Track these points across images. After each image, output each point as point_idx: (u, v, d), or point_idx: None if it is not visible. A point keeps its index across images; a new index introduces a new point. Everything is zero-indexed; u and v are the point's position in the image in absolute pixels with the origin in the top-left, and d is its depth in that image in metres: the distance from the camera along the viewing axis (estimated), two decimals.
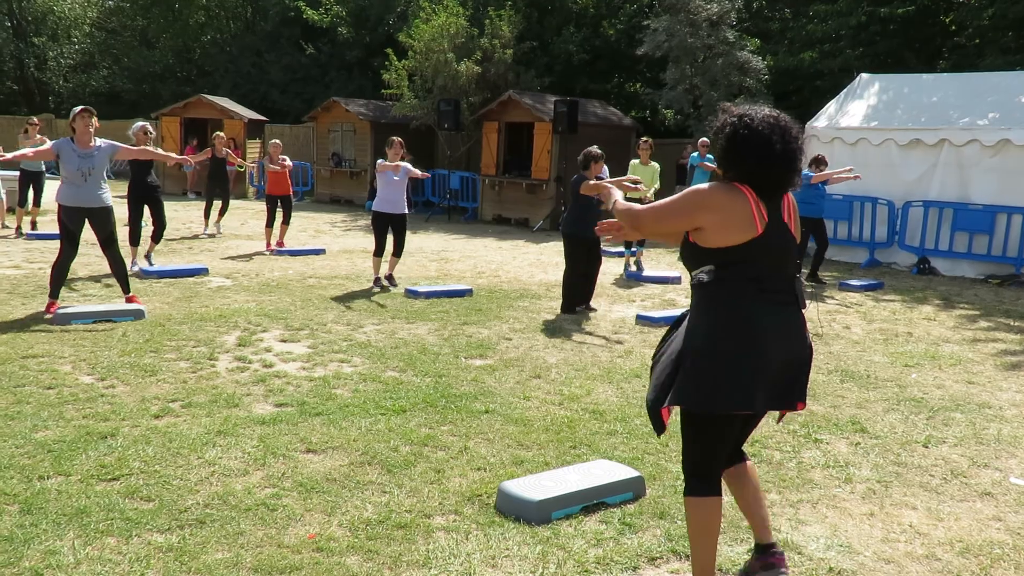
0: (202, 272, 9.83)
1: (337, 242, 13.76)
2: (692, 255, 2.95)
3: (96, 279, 9.13)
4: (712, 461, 2.97)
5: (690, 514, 2.99)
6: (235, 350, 6.35)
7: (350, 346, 6.62)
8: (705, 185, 2.90)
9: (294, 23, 30.55)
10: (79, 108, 7.39)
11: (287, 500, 3.76)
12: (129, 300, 7.61)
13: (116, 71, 36.23)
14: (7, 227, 13.24)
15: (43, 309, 7.33)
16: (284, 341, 6.71)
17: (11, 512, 3.52)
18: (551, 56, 22.86)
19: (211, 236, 13.53)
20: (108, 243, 7.48)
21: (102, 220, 7.41)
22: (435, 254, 12.65)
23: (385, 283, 9.44)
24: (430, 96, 19.35)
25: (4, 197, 13.58)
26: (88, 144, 7.27)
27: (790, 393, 2.92)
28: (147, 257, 10.20)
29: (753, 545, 3.22)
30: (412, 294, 8.93)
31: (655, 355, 3.10)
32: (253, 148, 22.32)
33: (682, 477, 4.15)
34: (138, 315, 7.26)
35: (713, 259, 2.86)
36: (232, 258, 11.32)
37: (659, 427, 2.98)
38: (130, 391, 5.25)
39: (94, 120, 7.31)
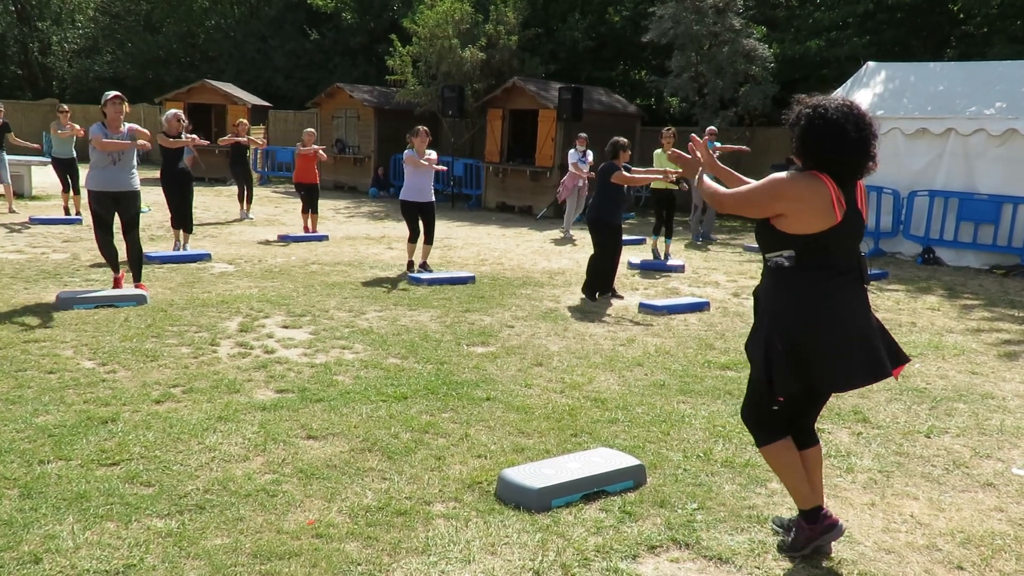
0: (205, 258, 9.83)
1: (340, 228, 13.74)
2: (770, 238, 3.09)
3: (99, 265, 9.12)
4: (782, 419, 3.20)
5: (771, 462, 3.28)
6: (237, 336, 6.35)
7: (352, 333, 6.61)
8: (786, 174, 3.01)
9: (298, 8, 30.44)
10: (112, 94, 7.45)
11: (287, 486, 3.75)
12: (138, 288, 7.62)
13: (120, 56, 36.16)
14: (14, 211, 13.28)
15: (112, 285, 7.64)
16: (286, 327, 6.71)
17: (11, 496, 3.52)
18: (556, 43, 22.75)
19: (248, 219, 13.86)
20: (130, 227, 7.56)
21: (128, 203, 7.52)
22: (438, 241, 12.60)
23: (419, 269, 9.51)
24: (434, 82, 19.28)
25: (10, 181, 13.60)
26: (119, 129, 7.37)
27: (881, 363, 3.04)
28: (183, 246, 10.26)
29: (799, 513, 3.33)
30: (415, 281, 8.92)
31: (748, 342, 3.23)
32: (257, 133, 22.26)
33: (683, 466, 4.18)
34: (140, 300, 7.26)
35: (794, 244, 3.01)
36: (237, 243, 11.32)
37: (777, 405, 3.14)
38: (131, 376, 5.25)
39: (125, 106, 7.47)
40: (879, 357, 3.05)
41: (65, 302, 6.98)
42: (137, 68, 35.19)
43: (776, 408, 3.14)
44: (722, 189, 3.24)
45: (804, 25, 20.94)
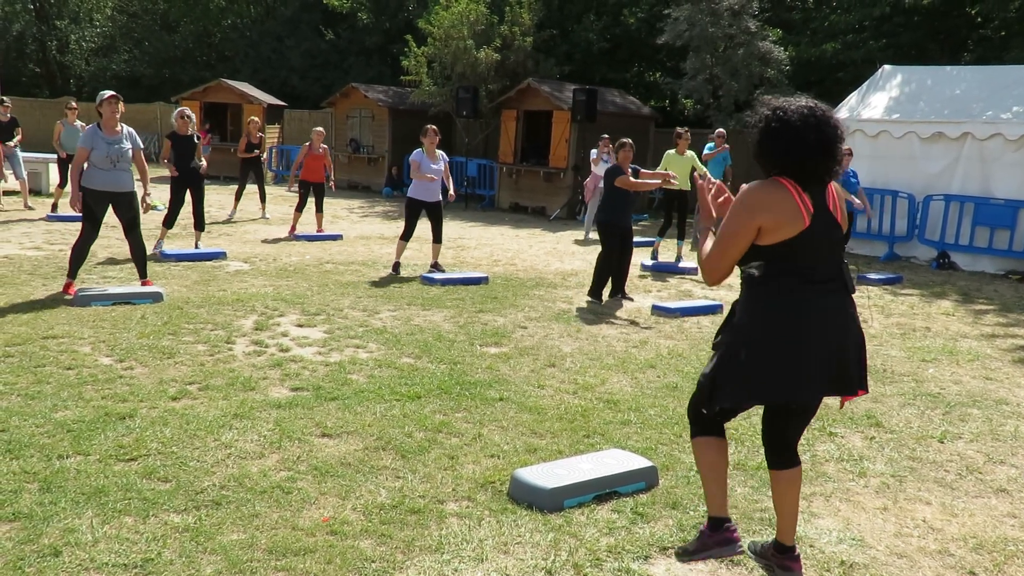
0: (220, 256, 9.89)
1: (354, 228, 13.80)
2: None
3: (115, 262, 9.20)
4: (717, 418, 3.12)
5: (696, 454, 3.19)
6: (252, 334, 6.40)
7: (366, 332, 6.65)
8: (745, 188, 2.90)
9: (314, 8, 30.57)
10: (107, 94, 7.43)
11: (302, 483, 3.79)
12: (144, 285, 7.67)
13: (137, 55, 36.42)
14: (29, 207, 13.39)
15: (62, 290, 7.41)
16: (300, 326, 6.75)
17: (31, 490, 3.57)
18: (571, 44, 22.76)
19: (259, 220, 13.88)
20: (131, 227, 7.57)
21: (126, 204, 7.49)
22: (451, 241, 12.66)
23: (432, 268, 9.56)
24: (449, 83, 19.32)
25: (25, 177, 13.72)
26: (115, 130, 7.35)
27: (848, 379, 2.94)
28: (196, 245, 10.31)
29: (773, 539, 3.23)
30: (428, 281, 8.96)
31: (714, 346, 3.12)
32: (272, 133, 22.39)
33: (695, 469, 4.18)
34: (156, 298, 7.32)
35: (763, 255, 2.89)
36: (252, 242, 11.39)
37: (710, 410, 3.06)
38: (148, 373, 5.30)
39: (120, 106, 7.39)
40: (845, 373, 2.91)
41: (82, 299, 7.05)
42: (154, 67, 35.43)
43: (705, 413, 3.06)
44: (708, 248, 3.00)
45: (820, 28, 20.87)
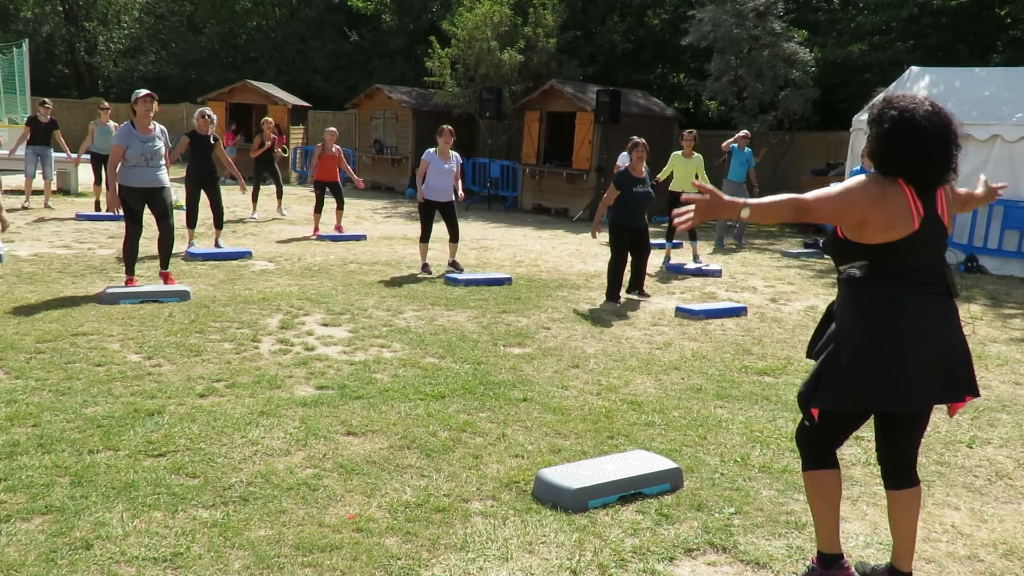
0: (246, 255, 9.98)
1: (378, 228, 13.86)
2: (842, 249, 2.90)
3: (141, 261, 9.30)
4: (833, 443, 3.04)
5: (808, 488, 3.09)
6: (277, 333, 6.45)
7: (390, 331, 6.68)
8: (863, 180, 2.80)
9: (338, 10, 30.75)
10: (142, 92, 7.58)
11: (328, 481, 3.82)
12: (163, 275, 7.77)
13: (163, 56, 36.80)
14: (49, 207, 13.57)
15: (124, 284, 7.63)
16: (325, 325, 6.79)
17: (63, 484, 3.62)
18: (594, 45, 22.73)
19: (278, 218, 14.01)
20: (163, 217, 7.78)
21: (159, 198, 7.69)
22: (474, 242, 12.68)
23: (449, 268, 9.60)
24: (472, 84, 19.36)
25: (53, 178, 13.91)
26: (148, 128, 7.50)
27: (955, 385, 2.86)
28: (216, 243, 10.42)
29: (888, 564, 3.15)
30: (451, 282, 8.98)
31: (810, 348, 3.07)
32: (296, 134, 22.54)
33: (720, 470, 4.17)
34: (184, 296, 7.39)
35: (867, 255, 2.82)
36: (277, 242, 11.48)
37: (809, 419, 2.97)
38: (176, 370, 5.36)
39: (155, 105, 7.54)
40: (952, 379, 2.84)
41: (111, 296, 7.14)
42: (180, 68, 35.79)
43: (808, 424, 2.97)
44: (787, 196, 2.84)
45: (846, 29, 20.69)
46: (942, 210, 2.85)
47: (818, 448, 3.03)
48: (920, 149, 2.74)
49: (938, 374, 2.82)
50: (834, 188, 2.84)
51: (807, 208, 2.79)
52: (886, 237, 2.77)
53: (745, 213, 2.75)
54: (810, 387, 2.92)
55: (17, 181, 14.68)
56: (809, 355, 3.05)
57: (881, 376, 2.78)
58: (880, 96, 2.99)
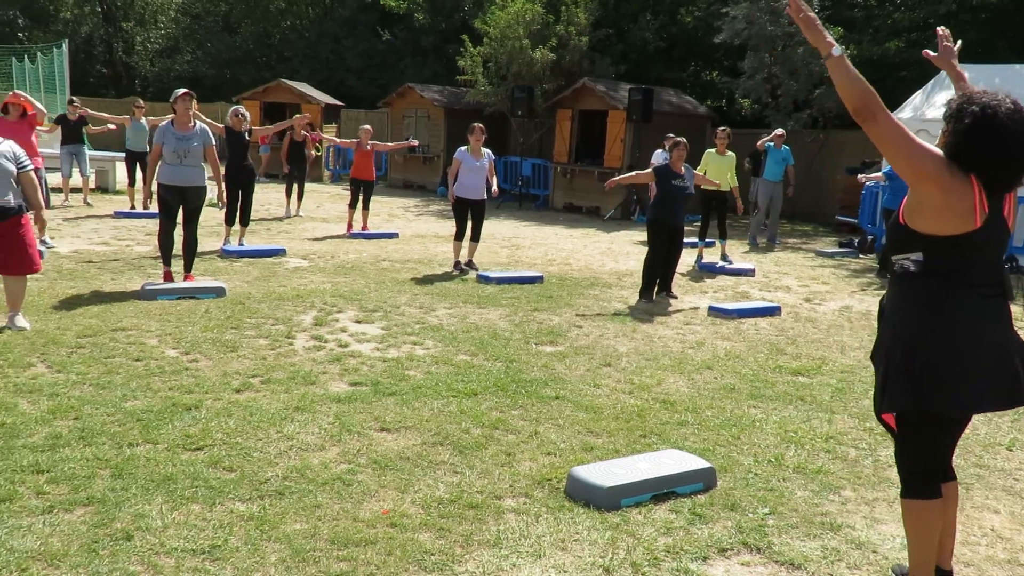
0: (280, 253, 10.08)
1: (410, 226, 13.93)
2: (901, 237, 2.81)
3: (178, 258, 9.42)
4: (930, 462, 2.89)
5: (906, 516, 2.94)
6: (312, 329, 6.51)
7: (423, 329, 6.72)
8: (940, 152, 2.71)
9: (371, 9, 30.93)
10: (181, 91, 7.71)
11: (362, 476, 3.85)
12: (187, 279, 7.84)
13: (199, 56, 37.27)
14: (88, 204, 13.79)
15: (162, 278, 7.76)
16: (359, 322, 6.85)
17: (103, 476, 3.69)
18: (626, 43, 22.63)
19: (289, 218, 13.91)
20: (191, 219, 7.84)
21: (193, 197, 7.77)
22: (506, 240, 12.70)
23: (465, 267, 9.57)
24: (504, 83, 19.38)
25: (89, 175, 14.12)
26: (187, 126, 7.59)
27: (1018, 388, 2.77)
28: (239, 241, 10.51)
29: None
30: (483, 279, 9.01)
31: (873, 353, 3.00)
32: (329, 132, 22.67)
33: (754, 470, 4.15)
34: (220, 293, 7.49)
35: (923, 246, 2.74)
36: (310, 240, 11.58)
37: (891, 432, 2.92)
38: (212, 365, 5.43)
39: (194, 104, 7.66)
40: (1016, 381, 2.74)
41: (149, 293, 7.25)
42: (215, 67, 36.22)
43: (894, 438, 2.88)
44: (870, 88, 2.63)
45: (883, 26, 20.41)
46: (1008, 211, 2.77)
47: (913, 472, 2.89)
48: (1001, 148, 2.64)
49: (999, 379, 2.74)
50: (917, 142, 2.70)
51: (877, 114, 2.63)
52: (945, 229, 2.68)
53: (836, 51, 2.65)
54: (876, 395, 2.85)
55: (56, 179, 14.95)
56: (872, 358, 2.98)
57: (943, 381, 2.71)
58: (957, 93, 2.84)
